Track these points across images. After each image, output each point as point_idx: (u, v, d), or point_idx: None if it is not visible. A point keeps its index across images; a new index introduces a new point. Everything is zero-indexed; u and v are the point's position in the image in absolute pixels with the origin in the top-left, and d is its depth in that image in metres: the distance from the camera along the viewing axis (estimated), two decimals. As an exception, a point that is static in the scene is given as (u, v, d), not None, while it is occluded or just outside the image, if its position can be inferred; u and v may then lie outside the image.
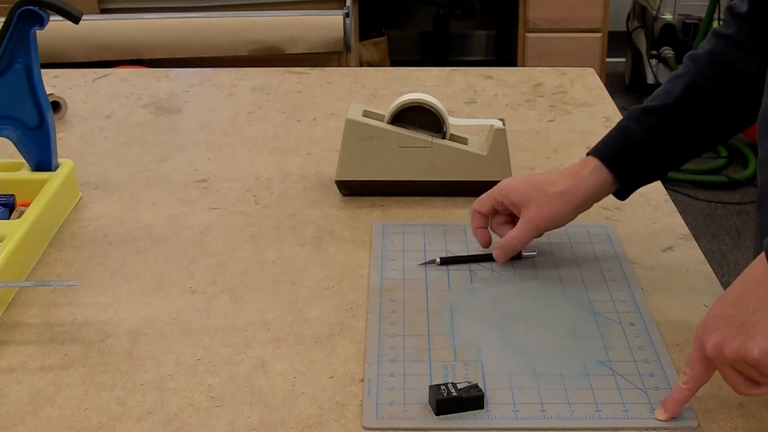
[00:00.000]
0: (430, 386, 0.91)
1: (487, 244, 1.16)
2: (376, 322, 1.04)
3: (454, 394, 0.90)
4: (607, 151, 1.13)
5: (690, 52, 1.15)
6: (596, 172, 1.12)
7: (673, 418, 0.89)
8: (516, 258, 1.15)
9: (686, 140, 1.12)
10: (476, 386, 0.91)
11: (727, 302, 0.85)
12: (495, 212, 1.15)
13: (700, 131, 1.12)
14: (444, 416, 0.89)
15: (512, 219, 1.15)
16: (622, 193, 1.15)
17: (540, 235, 1.13)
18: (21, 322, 1.05)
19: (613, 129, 1.15)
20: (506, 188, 1.13)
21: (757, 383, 0.85)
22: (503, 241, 1.13)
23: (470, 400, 0.90)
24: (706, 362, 0.87)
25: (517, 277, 1.12)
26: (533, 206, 1.11)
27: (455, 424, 0.89)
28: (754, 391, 0.85)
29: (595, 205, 1.15)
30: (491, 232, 1.17)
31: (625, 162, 1.12)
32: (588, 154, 1.14)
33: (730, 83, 1.10)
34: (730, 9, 1.12)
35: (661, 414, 0.89)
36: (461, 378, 0.94)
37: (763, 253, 0.84)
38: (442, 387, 0.91)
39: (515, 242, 1.12)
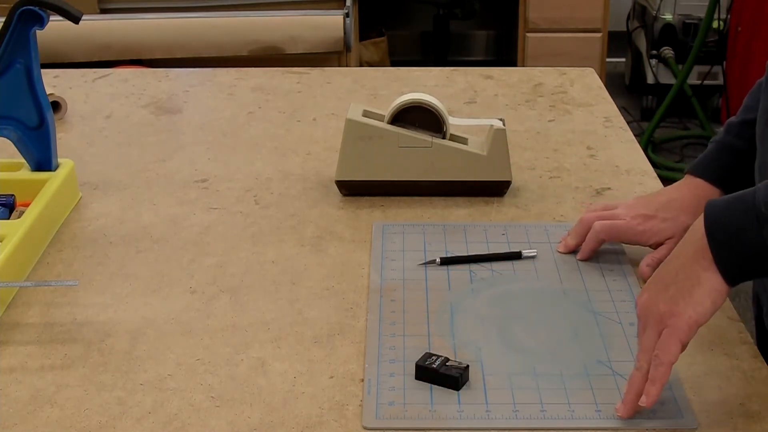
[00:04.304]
0: (426, 353, 0.95)
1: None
2: (376, 322, 1.04)
3: (434, 366, 0.93)
4: (714, 169, 1.15)
5: None
6: (707, 192, 1.14)
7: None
8: (516, 258, 1.15)
9: None
10: (465, 368, 0.93)
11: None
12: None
13: None
14: (444, 416, 0.89)
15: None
16: None
17: None
18: (21, 322, 1.05)
19: (715, 146, 1.16)
20: (647, 233, 1.13)
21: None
22: (653, 258, 1.12)
23: (445, 377, 0.92)
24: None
25: (517, 277, 1.12)
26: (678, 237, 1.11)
27: (455, 424, 0.89)
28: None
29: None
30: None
31: (733, 177, 1.14)
32: (690, 173, 1.16)
33: None
34: None
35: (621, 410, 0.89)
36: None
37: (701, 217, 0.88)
38: (434, 356, 0.94)
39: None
